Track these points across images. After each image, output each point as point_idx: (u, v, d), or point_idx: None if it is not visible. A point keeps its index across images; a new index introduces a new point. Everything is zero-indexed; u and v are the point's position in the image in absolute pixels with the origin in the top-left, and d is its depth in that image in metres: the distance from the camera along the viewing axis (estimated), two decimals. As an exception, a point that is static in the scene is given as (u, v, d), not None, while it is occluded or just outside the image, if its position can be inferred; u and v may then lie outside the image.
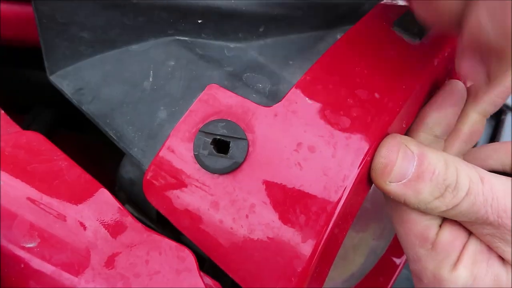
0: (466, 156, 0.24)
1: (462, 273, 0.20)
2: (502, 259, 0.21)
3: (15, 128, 0.21)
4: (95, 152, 0.28)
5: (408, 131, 0.23)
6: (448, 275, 0.20)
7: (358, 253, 0.34)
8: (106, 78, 0.23)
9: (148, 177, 0.21)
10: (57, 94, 0.27)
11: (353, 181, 0.19)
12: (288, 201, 0.19)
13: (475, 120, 0.23)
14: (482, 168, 0.21)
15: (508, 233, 0.19)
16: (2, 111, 0.21)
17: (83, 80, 0.23)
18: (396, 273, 0.38)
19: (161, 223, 0.24)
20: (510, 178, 0.20)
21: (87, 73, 0.23)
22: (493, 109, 0.23)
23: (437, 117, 0.22)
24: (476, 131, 0.23)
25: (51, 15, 0.21)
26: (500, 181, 0.20)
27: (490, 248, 0.21)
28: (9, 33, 0.24)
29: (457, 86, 0.22)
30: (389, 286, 0.38)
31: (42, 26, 0.21)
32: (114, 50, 0.23)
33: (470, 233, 0.21)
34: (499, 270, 0.20)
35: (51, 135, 0.33)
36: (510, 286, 0.20)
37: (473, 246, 0.21)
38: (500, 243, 0.20)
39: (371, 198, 0.33)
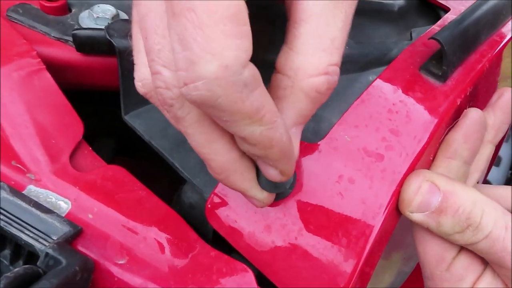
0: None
1: None
2: None
3: (101, 162, 0.25)
4: (148, 175, 0.32)
5: (438, 159, 0.25)
6: None
7: (388, 272, 0.37)
8: (173, 118, 0.27)
9: (209, 205, 0.25)
10: (116, 126, 0.31)
11: (387, 208, 0.22)
12: (331, 225, 0.23)
13: (491, 150, 0.25)
14: None
15: None
16: (90, 148, 0.25)
17: (152, 119, 0.27)
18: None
19: (215, 242, 0.28)
20: None
21: (156, 113, 0.27)
22: (501, 136, 0.26)
23: (464, 141, 0.24)
24: (489, 160, 0.26)
25: (131, 68, 0.25)
26: None
27: (506, 284, 0.22)
28: (90, 81, 0.29)
29: (478, 114, 0.24)
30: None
31: (124, 77, 0.25)
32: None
33: (487, 264, 0.23)
34: None
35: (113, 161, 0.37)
36: None
37: (489, 279, 0.23)
38: None
39: (401, 225, 0.35)
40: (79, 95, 0.29)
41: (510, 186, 0.27)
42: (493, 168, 0.83)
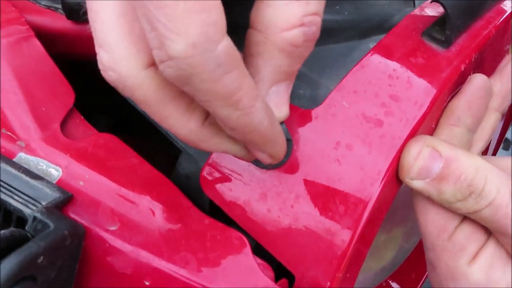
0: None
1: (476, 272, 0.21)
2: None
3: (93, 131, 0.25)
4: (145, 152, 0.32)
5: (441, 126, 0.25)
6: (462, 269, 0.22)
7: (388, 248, 0.36)
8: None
9: (204, 174, 0.24)
10: (111, 103, 0.31)
11: (386, 175, 0.21)
12: (328, 193, 0.22)
13: (496, 118, 0.25)
14: None
15: None
16: (82, 117, 0.25)
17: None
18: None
19: (212, 213, 0.27)
20: None
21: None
22: (508, 104, 0.25)
23: (468, 108, 0.23)
24: (495, 129, 0.25)
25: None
26: None
27: (509, 254, 0.22)
28: (81, 50, 0.28)
29: (483, 79, 0.23)
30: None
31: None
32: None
33: (490, 234, 0.22)
34: None
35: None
36: None
37: (492, 249, 0.22)
38: None
39: (402, 198, 0.35)
40: (73, 71, 0.29)
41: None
42: (502, 151, 0.82)
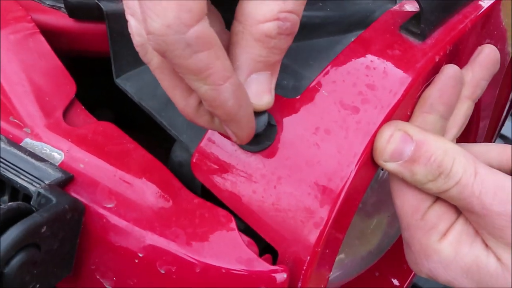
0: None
1: (446, 247, 0.23)
2: (485, 243, 0.23)
3: (92, 119, 0.27)
4: (144, 144, 0.33)
5: (415, 114, 0.26)
6: (433, 246, 0.23)
7: (374, 234, 0.38)
8: (161, 79, 0.28)
9: (194, 160, 0.26)
10: (113, 98, 0.33)
11: (362, 157, 0.23)
12: (308, 174, 0.24)
13: (469, 106, 0.26)
14: None
15: (491, 224, 0.22)
16: (82, 107, 0.27)
17: (143, 81, 0.29)
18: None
19: (204, 198, 0.29)
20: (508, 175, 0.22)
21: (146, 76, 0.28)
22: (480, 93, 0.26)
23: (440, 96, 0.24)
24: (468, 116, 0.26)
25: (120, 31, 0.27)
26: (494, 177, 0.22)
27: (476, 231, 0.23)
28: (83, 46, 0.30)
29: (454, 69, 0.25)
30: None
31: (113, 39, 0.27)
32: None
33: (460, 213, 0.24)
34: (480, 252, 0.23)
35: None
36: (488, 267, 0.22)
37: (460, 227, 0.23)
38: (484, 230, 0.22)
39: (383, 189, 0.36)
40: (76, 66, 0.31)
41: (487, 143, 0.28)
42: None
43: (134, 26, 0.19)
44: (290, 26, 0.19)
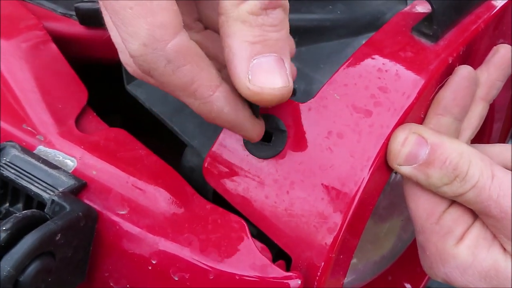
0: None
1: (463, 252, 0.23)
2: (503, 247, 0.22)
3: (104, 126, 0.27)
4: (153, 150, 0.33)
5: (428, 116, 0.26)
6: (450, 250, 0.23)
7: (387, 238, 0.37)
8: (171, 85, 0.28)
9: (206, 165, 0.26)
10: (123, 104, 0.33)
11: (375, 161, 0.23)
12: (321, 179, 0.23)
13: (483, 107, 0.26)
14: None
15: (510, 228, 0.21)
16: (94, 114, 0.27)
17: (153, 87, 0.29)
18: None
19: (215, 203, 0.29)
20: None
21: (156, 82, 0.28)
22: (495, 93, 0.26)
23: (453, 98, 0.24)
24: (483, 118, 0.26)
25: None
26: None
27: (494, 235, 0.23)
28: (94, 53, 0.30)
29: (468, 70, 0.25)
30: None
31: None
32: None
33: (476, 217, 0.23)
34: (498, 256, 0.22)
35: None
36: (507, 272, 0.22)
37: (477, 231, 0.23)
38: (502, 234, 0.22)
39: (395, 192, 0.36)
40: (87, 73, 0.31)
41: (503, 144, 0.27)
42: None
43: (122, 58, 0.19)
44: (276, 2, 0.18)
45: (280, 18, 0.18)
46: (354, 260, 0.37)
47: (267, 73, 0.18)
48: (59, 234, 0.19)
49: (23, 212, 0.19)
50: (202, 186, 0.28)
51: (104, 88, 0.35)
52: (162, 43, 0.16)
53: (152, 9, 0.16)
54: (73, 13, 0.30)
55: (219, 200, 0.26)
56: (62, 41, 0.29)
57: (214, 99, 0.18)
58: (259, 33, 0.18)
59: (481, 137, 0.40)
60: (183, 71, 0.17)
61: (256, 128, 0.21)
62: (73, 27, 0.29)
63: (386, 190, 0.36)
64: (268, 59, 0.18)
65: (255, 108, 0.21)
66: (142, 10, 0.16)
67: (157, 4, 0.16)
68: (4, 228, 0.18)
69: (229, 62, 0.18)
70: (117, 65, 0.31)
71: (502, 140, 0.50)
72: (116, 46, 0.19)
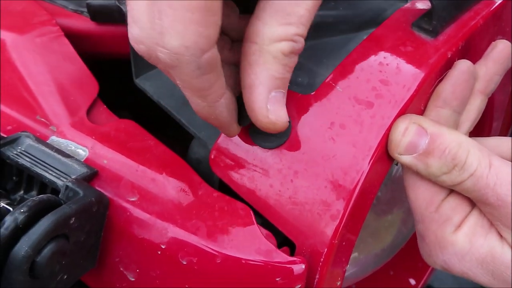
0: None
1: (461, 239, 0.23)
2: (500, 235, 0.23)
3: (114, 117, 0.28)
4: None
5: (428, 109, 0.27)
6: (448, 238, 0.23)
7: (388, 232, 0.38)
8: (179, 79, 0.29)
9: (213, 156, 0.27)
10: (132, 100, 0.34)
11: (377, 151, 0.24)
12: (324, 168, 0.24)
13: (482, 101, 0.26)
14: None
15: (506, 215, 0.22)
16: (105, 106, 0.28)
17: (161, 81, 0.30)
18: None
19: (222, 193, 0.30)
20: None
21: (164, 76, 0.29)
22: (494, 87, 0.26)
23: (453, 91, 0.25)
24: (481, 111, 0.27)
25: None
26: (509, 168, 0.22)
27: (491, 223, 0.23)
28: (104, 48, 0.31)
29: (467, 64, 0.25)
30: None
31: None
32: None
33: (474, 206, 0.24)
34: (495, 243, 0.23)
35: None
36: (503, 258, 0.22)
37: (475, 218, 0.24)
38: (499, 222, 0.23)
39: (395, 186, 0.37)
40: (96, 69, 0.32)
41: (501, 137, 0.28)
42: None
43: (136, 34, 0.18)
44: (299, 47, 0.21)
45: (296, 62, 0.21)
46: (355, 254, 0.37)
47: (280, 106, 0.22)
48: (73, 218, 0.20)
49: (39, 196, 0.20)
50: (208, 177, 0.29)
51: (111, 84, 0.36)
52: (200, 52, 0.17)
53: (207, 21, 0.17)
54: (84, 9, 0.31)
55: (225, 190, 0.27)
56: (73, 37, 0.30)
57: (219, 105, 0.20)
58: (282, 71, 0.21)
59: (480, 135, 0.41)
60: (205, 77, 0.18)
61: (236, 129, 0.24)
62: (84, 23, 0.30)
63: (386, 184, 0.37)
64: (280, 95, 0.22)
65: (245, 116, 0.23)
66: (199, 20, 0.17)
67: (213, 21, 0.17)
68: (22, 211, 0.19)
69: (249, 87, 0.21)
70: (124, 61, 0.32)
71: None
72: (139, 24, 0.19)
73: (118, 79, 0.36)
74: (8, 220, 0.18)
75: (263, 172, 0.25)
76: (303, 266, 0.23)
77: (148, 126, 0.39)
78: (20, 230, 0.19)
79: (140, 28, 0.18)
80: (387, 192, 0.37)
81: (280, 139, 0.25)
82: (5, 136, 0.24)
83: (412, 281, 0.44)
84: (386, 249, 0.38)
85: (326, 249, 0.24)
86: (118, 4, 0.27)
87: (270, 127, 0.22)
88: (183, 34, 0.17)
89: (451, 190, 0.25)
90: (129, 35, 0.19)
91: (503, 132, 0.50)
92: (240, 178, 0.26)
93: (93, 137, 0.25)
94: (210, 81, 0.19)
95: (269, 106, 0.21)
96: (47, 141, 0.25)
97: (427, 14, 0.28)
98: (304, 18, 0.20)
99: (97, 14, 0.29)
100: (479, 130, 0.41)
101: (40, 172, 0.23)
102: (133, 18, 0.18)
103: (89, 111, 0.27)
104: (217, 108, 0.20)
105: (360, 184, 0.24)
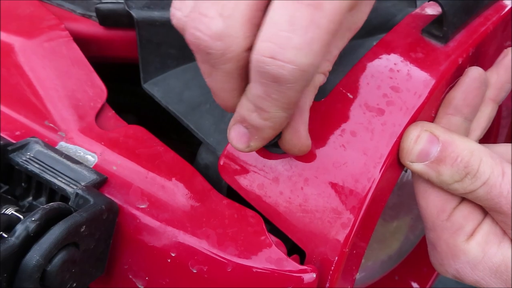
0: None
1: (474, 248, 0.23)
2: None
3: (123, 123, 0.28)
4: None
5: (439, 116, 0.27)
6: (461, 246, 0.23)
7: (394, 238, 0.38)
8: (187, 84, 0.29)
9: (222, 163, 0.27)
10: (138, 104, 0.34)
11: (388, 158, 0.24)
12: (334, 176, 0.24)
13: (492, 108, 0.26)
14: None
15: None
16: (113, 111, 0.28)
17: (169, 86, 0.29)
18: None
19: (230, 199, 0.30)
20: None
21: (172, 81, 0.29)
22: (504, 95, 0.26)
23: (464, 98, 0.25)
24: (491, 119, 0.26)
25: (149, 38, 0.28)
26: None
27: (504, 231, 0.23)
28: (113, 53, 0.31)
29: (479, 71, 0.25)
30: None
31: (142, 46, 0.28)
32: (193, 62, 0.29)
33: (486, 214, 0.24)
34: (508, 252, 0.23)
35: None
36: None
37: (487, 227, 0.24)
38: None
39: (402, 191, 0.36)
40: (103, 74, 0.32)
41: (507, 144, 0.28)
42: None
43: (220, 28, 0.17)
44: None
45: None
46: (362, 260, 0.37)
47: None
48: (84, 226, 0.20)
49: (50, 204, 0.20)
50: (216, 183, 0.29)
51: (118, 88, 0.35)
52: (322, 73, 0.22)
53: (326, 47, 0.17)
54: (92, 13, 0.30)
55: (233, 196, 0.26)
56: (81, 41, 0.30)
57: (273, 121, 0.20)
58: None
59: (487, 141, 0.41)
60: (301, 92, 0.18)
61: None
62: (92, 28, 0.30)
63: (393, 189, 0.36)
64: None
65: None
66: (323, 45, 0.17)
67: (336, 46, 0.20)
68: (33, 219, 0.19)
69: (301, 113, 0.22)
70: (131, 66, 0.31)
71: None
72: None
73: (123, 83, 0.36)
74: (20, 228, 0.18)
75: (273, 179, 0.25)
76: (314, 275, 0.22)
77: (152, 130, 0.39)
78: (31, 239, 0.18)
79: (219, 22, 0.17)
80: (393, 197, 0.37)
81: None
82: (13, 141, 0.24)
83: (416, 285, 0.44)
84: (392, 256, 0.38)
85: (337, 258, 0.24)
86: (128, 10, 0.26)
87: (305, 152, 0.24)
88: (310, 54, 0.16)
89: (463, 198, 0.24)
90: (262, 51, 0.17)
91: (508, 139, 0.50)
92: (250, 184, 0.26)
93: (102, 143, 0.25)
94: (298, 95, 0.19)
95: None
96: (56, 147, 0.25)
97: (437, 20, 0.28)
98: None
99: (106, 18, 0.29)
100: (486, 135, 0.41)
101: (49, 179, 0.22)
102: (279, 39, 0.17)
103: (97, 116, 0.27)
104: (269, 121, 0.20)
105: (371, 192, 0.23)
